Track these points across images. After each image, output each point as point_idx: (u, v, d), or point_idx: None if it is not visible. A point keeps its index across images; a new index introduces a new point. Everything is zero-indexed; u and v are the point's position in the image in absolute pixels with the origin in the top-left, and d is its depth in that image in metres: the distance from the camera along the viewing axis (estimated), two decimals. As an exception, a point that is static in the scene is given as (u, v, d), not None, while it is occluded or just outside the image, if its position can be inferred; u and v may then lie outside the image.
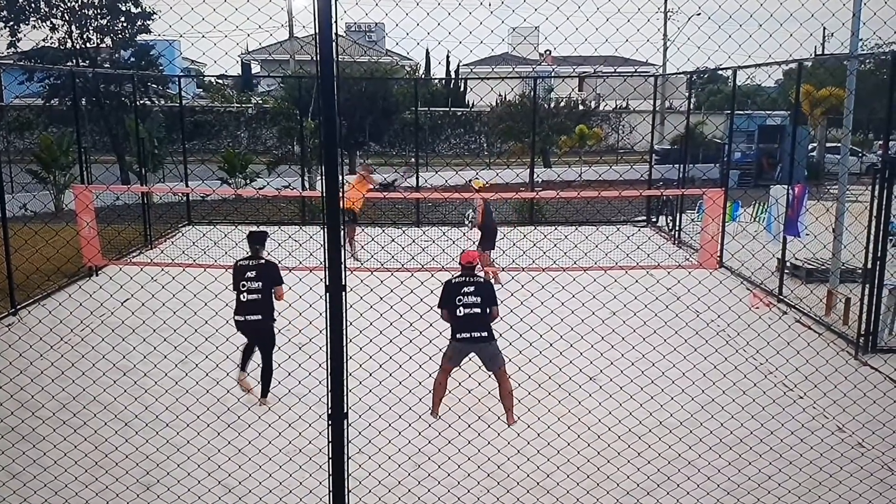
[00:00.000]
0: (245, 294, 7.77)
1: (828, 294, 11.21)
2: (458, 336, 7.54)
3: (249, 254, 7.98)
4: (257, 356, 7.92)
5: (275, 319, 7.83)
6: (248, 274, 7.81)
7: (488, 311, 7.57)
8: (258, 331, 7.77)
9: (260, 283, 7.74)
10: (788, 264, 12.91)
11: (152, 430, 7.13)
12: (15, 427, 7.15)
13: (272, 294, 7.81)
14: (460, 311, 7.50)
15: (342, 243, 4.04)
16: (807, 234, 12.50)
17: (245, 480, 6.24)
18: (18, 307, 11.22)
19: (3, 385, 7.67)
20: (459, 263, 7.94)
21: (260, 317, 7.71)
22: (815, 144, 28.62)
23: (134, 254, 15.27)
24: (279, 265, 7.96)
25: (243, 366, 7.92)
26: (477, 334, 7.48)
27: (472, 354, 7.68)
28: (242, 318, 7.75)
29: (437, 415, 7.77)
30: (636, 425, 7.20)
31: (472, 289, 7.55)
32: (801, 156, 23.52)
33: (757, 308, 11.42)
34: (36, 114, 31.75)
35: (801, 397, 8.13)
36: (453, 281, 7.69)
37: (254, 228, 8.22)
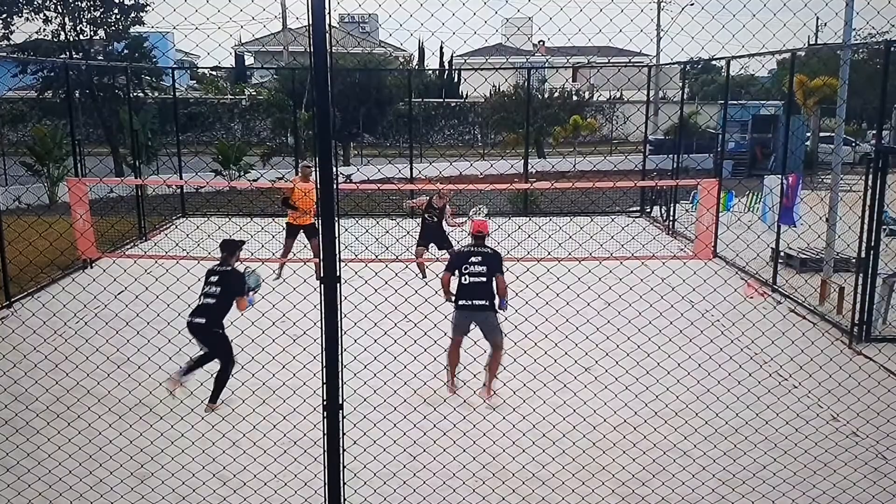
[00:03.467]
0: (202, 297, 7.70)
1: (822, 283, 11.22)
2: (459, 303, 7.72)
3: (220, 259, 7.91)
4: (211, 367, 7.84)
5: (222, 328, 7.66)
6: (211, 279, 7.75)
7: (493, 280, 7.70)
8: (203, 335, 7.62)
9: (217, 289, 7.64)
10: (782, 254, 12.91)
11: (147, 423, 7.10)
12: (9, 420, 7.11)
13: (228, 303, 7.67)
14: (465, 279, 7.70)
15: (335, 241, 4.00)
16: (801, 224, 12.50)
17: (240, 473, 6.21)
18: (12, 300, 11.16)
19: (-4, 378, 7.62)
20: (469, 233, 8.10)
21: (204, 320, 7.55)
22: (809, 134, 28.62)
23: (128, 246, 15.20)
24: (246, 273, 7.86)
25: (186, 369, 7.76)
26: (477, 302, 7.65)
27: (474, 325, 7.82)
28: (189, 320, 7.64)
29: (454, 388, 7.91)
30: (631, 416, 7.19)
31: (479, 258, 7.76)
32: (797, 145, 23.54)
33: (751, 298, 11.43)
34: (29, 106, 31.63)
35: (796, 387, 8.13)
36: (463, 249, 7.93)
37: (227, 237, 8.11)
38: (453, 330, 7.87)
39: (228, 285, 7.67)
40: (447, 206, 12.64)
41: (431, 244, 12.71)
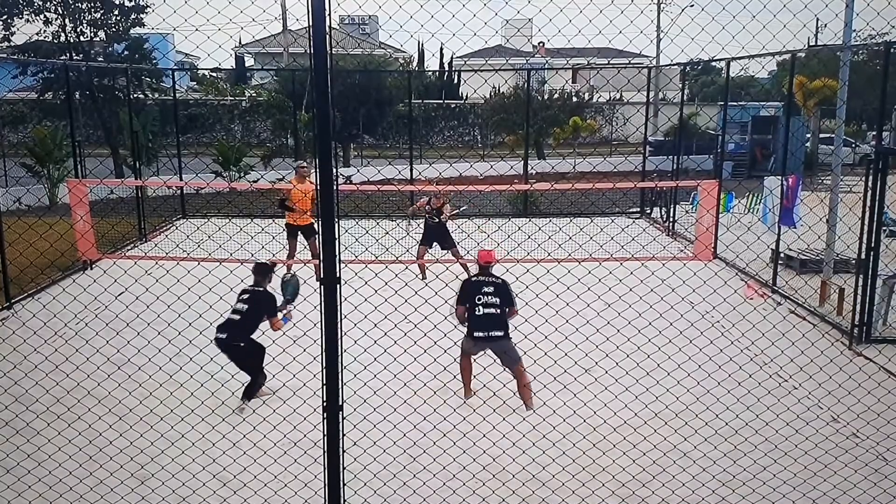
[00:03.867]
0: (230, 313, 7.82)
1: (822, 285, 11.21)
2: (475, 335, 7.68)
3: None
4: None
5: (247, 342, 7.76)
6: (242, 296, 7.89)
7: (507, 311, 7.72)
8: (227, 350, 7.75)
9: (245, 307, 7.76)
10: (782, 255, 12.91)
11: (147, 424, 7.09)
12: (9, 421, 7.10)
13: (254, 322, 7.78)
14: (479, 311, 7.65)
15: (335, 241, 4.00)
16: (801, 225, 12.49)
17: (240, 474, 6.21)
18: (13, 301, 11.16)
19: (-3, 379, 7.63)
20: (477, 263, 8.11)
21: (225, 336, 7.69)
22: (809, 135, 28.63)
23: (128, 247, 15.20)
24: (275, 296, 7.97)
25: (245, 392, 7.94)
26: (494, 333, 7.64)
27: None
28: (215, 336, 7.78)
29: (470, 394, 7.93)
30: (631, 417, 7.19)
31: (491, 289, 7.72)
32: (796, 146, 23.53)
33: (751, 299, 11.42)
34: (30, 107, 31.62)
35: (796, 388, 8.12)
36: (473, 280, 7.91)
37: (259, 262, 8.23)
38: (466, 351, 7.91)
39: (257, 304, 7.78)
40: (446, 206, 12.67)
41: (434, 244, 12.73)
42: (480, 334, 7.65)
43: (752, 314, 9.19)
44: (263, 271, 8.05)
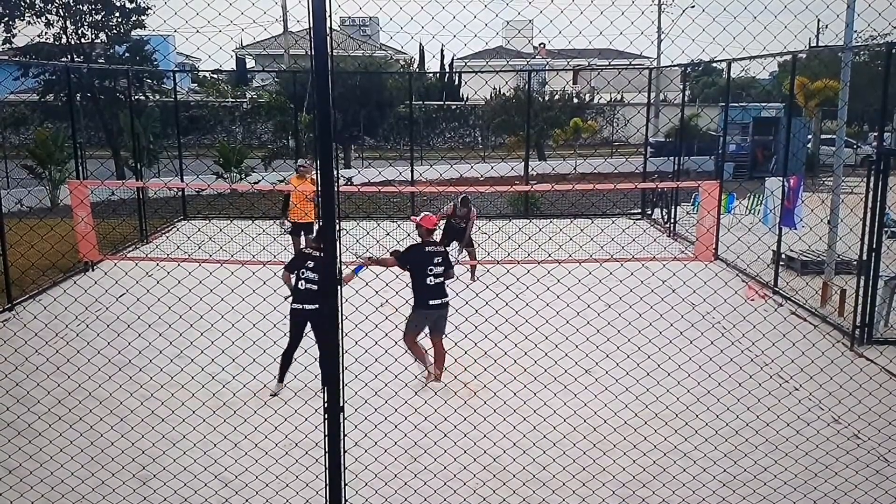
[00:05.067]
0: (303, 283, 7.87)
1: (823, 286, 11.22)
2: (429, 303, 8.03)
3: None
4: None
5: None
6: (308, 264, 7.90)
7: (448, 276, 8.20)
8: (315, 318, 7.82)
9: (316, 275, 7.77)
10: (784, 256, 12.92)
11: (148, 426, 7.11)
12: (11, 423, 7.12)
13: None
14: (430, 280, 8.02)
15: (338, 238, 4.01)
16: (802, 226, 12.50)
17: (241, 475, 6.22)
18: (14, 303, 11.18)
19: (-2, 381, 7.64)
20: (420, 226, 8.32)
21: (317, 306, 7.72)
22: (810, 136, 28.63)
23: (129, 249, 15.23)
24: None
25: (280, 373, 8.00)
26: (444, 300, 8.08)
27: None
28: (300, 307, 7.85)
29: (440, 377, 8.17)
30: (632, 417, 7.20)
31: (440, 259, 8.10)
32: (798, 147, 23.54)
33: (752, 300, 11.43)
34: (31, 109, 31.63)
35: (797, 389, 8.13)
36: (424, 249, 8.14)
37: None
38: (414, 327, 8.13)
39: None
40: (474, 212, 12.88)
41: (453, 243, 12.93)
42: (436, 302, 8.02)
43: (753, 315, 9.21)
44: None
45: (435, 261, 8.05)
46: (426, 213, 8.68)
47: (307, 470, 6.15)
